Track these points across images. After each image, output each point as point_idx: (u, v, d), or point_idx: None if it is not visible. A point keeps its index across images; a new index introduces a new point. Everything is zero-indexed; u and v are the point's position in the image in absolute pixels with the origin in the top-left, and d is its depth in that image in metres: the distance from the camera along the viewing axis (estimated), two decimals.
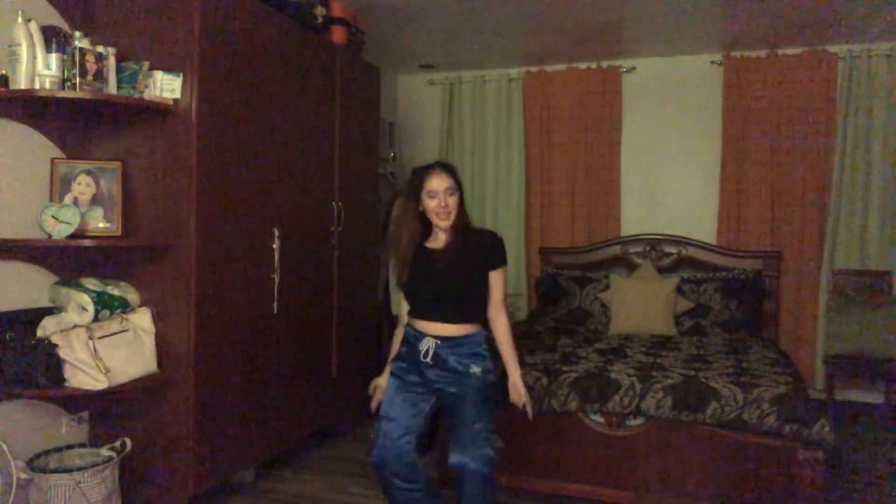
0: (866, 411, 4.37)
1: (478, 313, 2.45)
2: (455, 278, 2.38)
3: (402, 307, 2.56)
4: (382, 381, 2.53)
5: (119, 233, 2.66)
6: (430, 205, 2.35)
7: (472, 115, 5.37)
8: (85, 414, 2.79)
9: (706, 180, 4.86)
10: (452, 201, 2.35)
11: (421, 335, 2.40)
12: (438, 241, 2.43)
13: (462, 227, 2.40)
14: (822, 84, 4.54)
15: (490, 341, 2.46)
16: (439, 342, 2.36)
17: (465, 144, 5.37)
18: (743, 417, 2.72)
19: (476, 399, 2.33)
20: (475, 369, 2.35)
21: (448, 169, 2.40)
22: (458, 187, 2.39)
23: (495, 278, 2.43)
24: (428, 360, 2.36)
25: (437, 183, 2.34)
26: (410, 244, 2.41)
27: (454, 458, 2.25)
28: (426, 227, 2.44)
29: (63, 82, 2.44)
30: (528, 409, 2.47)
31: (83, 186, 2.61)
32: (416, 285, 2.42)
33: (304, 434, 3.45)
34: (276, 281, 3.11)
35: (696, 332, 4.20)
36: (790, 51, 4.63)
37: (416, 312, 2.45)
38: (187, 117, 2.62)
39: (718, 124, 4.79)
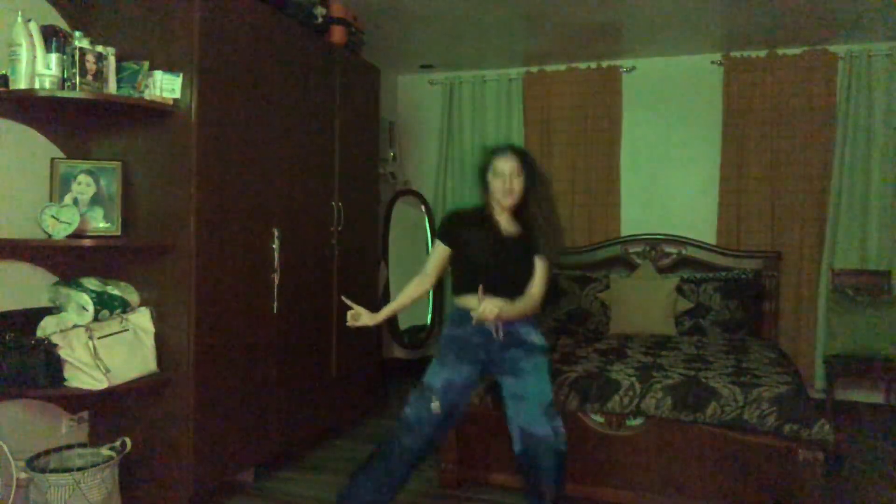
0: (866, 411, 4.37)
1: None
2: (522, 264, 2.40)
3: (429, 264, 2.50)
4: (366, 317, 2.45)
5: (119, 233, 2.66)
6: (496, 185, 2.37)
7: (472, 115, 5.37)
8: (85, 414, 2.79)
9: (706, 180, 4.85)
10: (517, 183, 2.35)
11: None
12: (503, 222, 2.42)
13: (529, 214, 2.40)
14: (822, 84, 4.54)
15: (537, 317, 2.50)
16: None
17: (465, 144, 5.37)
18: (743, 417, 2.72)
19: (544, 373, 2.40)
20: (536, 339, 2.42)
21: (517, 151, 2.42)
22: (528, 174, 2.37)
23: (537, 266, 2.42)
24: (500, 337, 2.34)
25: (505, 164, 2.36)
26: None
27: (534, 430, 2.31)
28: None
29: (63, 82, 2.43)
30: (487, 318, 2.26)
31: (83, 186, 2.61)
32: (483, 261, 2.39)
33: (304, 434, 3.45)
34: (276, 281, 3.11)
35: (696, 331, 4.20)
36: (790, 51, 4.62)
37: (470, 287, 2.32)
38: (187, 117, 2.62)
39: (718, 124, 4.79)
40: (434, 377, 2.42)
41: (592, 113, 5.05)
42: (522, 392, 2.37)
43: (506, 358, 2.40)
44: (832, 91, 4.53)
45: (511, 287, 2.37)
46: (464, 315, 2.40)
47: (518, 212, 2.42)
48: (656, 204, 4.99)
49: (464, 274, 2.45)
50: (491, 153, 2.43)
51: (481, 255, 2.40)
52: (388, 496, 2.44)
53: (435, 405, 2.36)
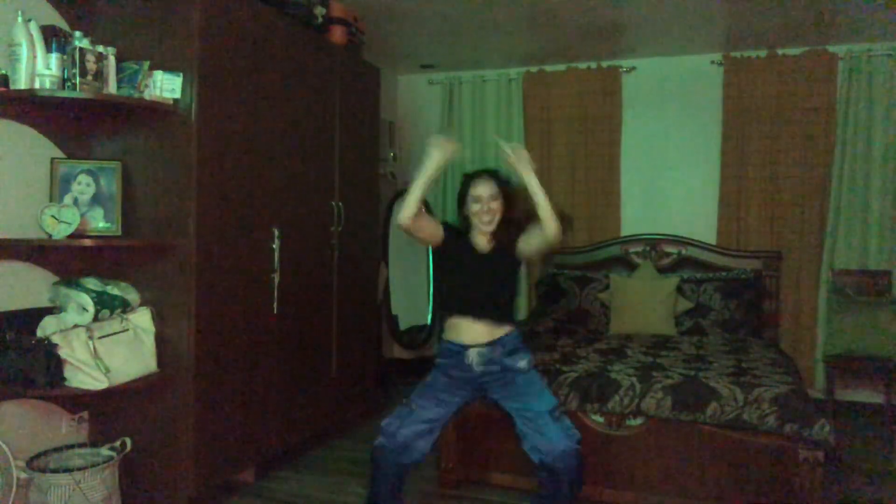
0: (866, 411, 4.37)
1: (512, 314, 2.57)
2: (499, 281, 2.51)
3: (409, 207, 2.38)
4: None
5: (119, 233, 2.66)
6: (474, 209, 2.46)
7: (472, 115, 5.36)
8: (85, 414, 2.79)
9: (706, 180, 4.85)
10: (496, 205, 2.44)
11: (463, 346, 2.47)
12: (481, 242, 2.52)
13: (505, 231, 2.49)
14: (822, 84, 4.54)
15: (524, 336, 2.59)
16: (482, 349, 2.45)
17: (465, 145, 5.37)
18: (743, 417, 2.72)
19: (535, 389, 2.47)
20: (522, 364, 2.48)
21: (494, 175, 2.48)
22: (505, 193, 2.46)
23: (531, 235, 2.42)
24: (478, 368, 2.45)
25: (483, 189, 2.44)
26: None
27: (545, 447, 2.37)
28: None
29: (63, 82, 2.44)
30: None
31: (83, 186, 2.61)
32: (462, 280, 2.51)
33: (304, 434, 3.45)
34: (276, 281, 3.11)
35: (696, 331, 4.20)
36: (790, 51, 4.62)
37: (455, 309, 2.50)
38: (187, 117, 2.62)
39: (718, 124, 4.79)
40: (421, 398, 2.50)
41: (592, 113, 5.05)
42: (527, 409, 2.44)
43: (499, 384, 2.48)
44: (832, 91, 4.52)
45: (492, 303, 2.48)
46: (452, 350, 2.50)
47: (494, 231, 2.49)
48: (656, 204, 4.98)
49: (447, 291, 2.56)
50: (469, 177, 2.51)
51: (463, 272, 2.50)
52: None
53: (415, 411, 2.45)
